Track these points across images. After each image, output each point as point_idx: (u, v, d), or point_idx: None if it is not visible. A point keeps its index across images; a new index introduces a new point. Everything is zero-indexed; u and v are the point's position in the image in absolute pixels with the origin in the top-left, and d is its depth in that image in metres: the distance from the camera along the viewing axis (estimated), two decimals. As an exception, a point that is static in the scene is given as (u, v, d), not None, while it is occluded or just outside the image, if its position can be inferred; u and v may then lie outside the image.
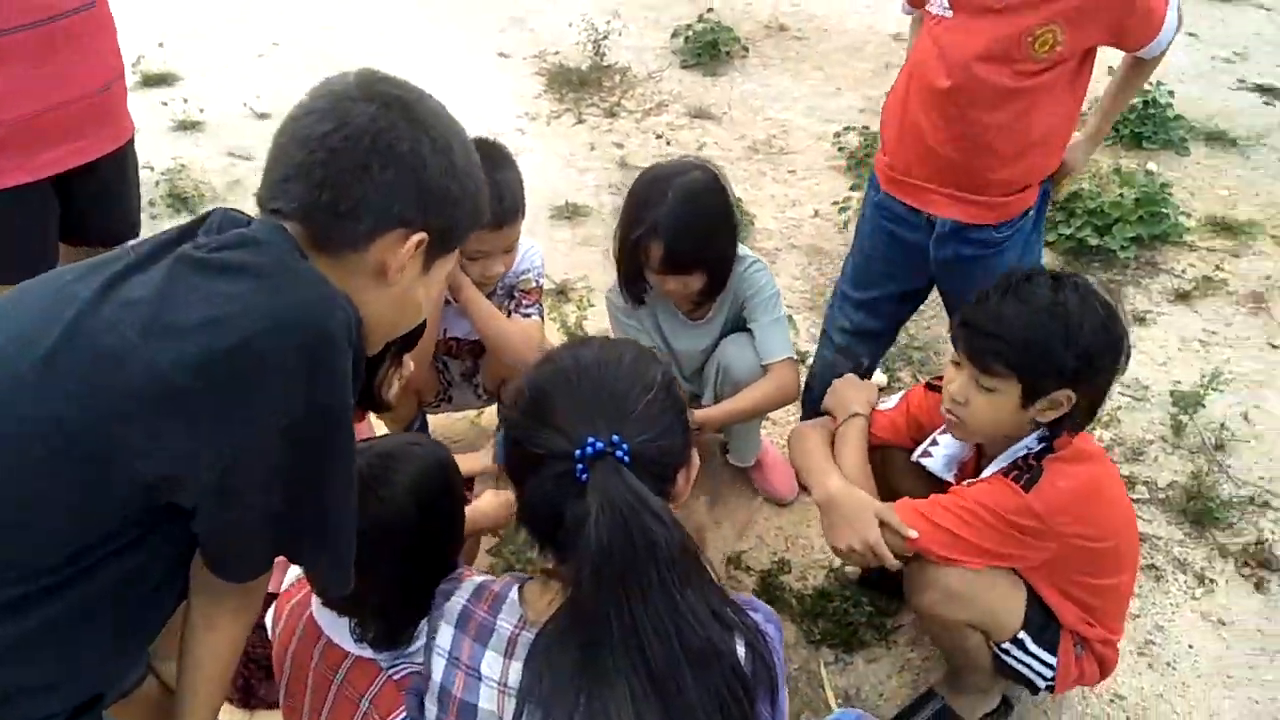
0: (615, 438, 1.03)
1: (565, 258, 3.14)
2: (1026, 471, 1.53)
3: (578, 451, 1.03)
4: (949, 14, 1.82)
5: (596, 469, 1.03)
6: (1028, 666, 1.63)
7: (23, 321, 0.99)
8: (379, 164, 1.05)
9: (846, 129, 3.83)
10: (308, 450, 1.01)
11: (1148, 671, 1.98)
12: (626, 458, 1.03)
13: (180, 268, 0.99)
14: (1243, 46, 4.66)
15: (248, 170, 3.48)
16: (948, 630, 1.64)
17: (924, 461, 1.77)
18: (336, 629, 1.36)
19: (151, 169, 3.31)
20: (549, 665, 1.05)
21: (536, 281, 2.13)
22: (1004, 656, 1.63)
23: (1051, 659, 1.63)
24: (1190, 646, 2.03)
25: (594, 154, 3.76)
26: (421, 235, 1.10)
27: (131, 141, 2.04)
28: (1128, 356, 1.54)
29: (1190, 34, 4.73)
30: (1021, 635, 1.60)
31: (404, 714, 1.30)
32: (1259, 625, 2.07)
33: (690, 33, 4.47)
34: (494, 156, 1.89)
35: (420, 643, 1.32)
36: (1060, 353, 1.47)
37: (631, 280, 2.06)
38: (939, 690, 1.85)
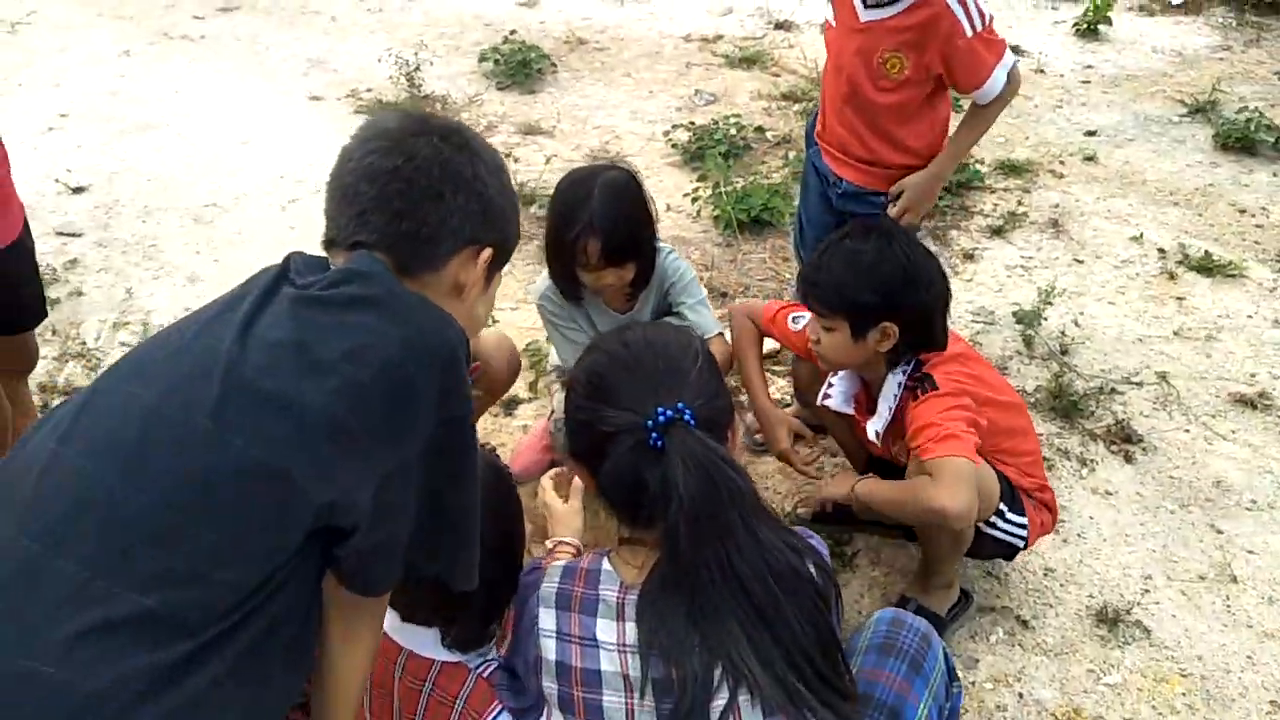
0: (680, 405, 1.17)
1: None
2: (920, 385, 1.84)
3: (649, 422, 1.16)
4: (833, 23, 2.17)
5: (670, 435, 1.16)
6: (1008, 533, 1.91)
7: (169, 380, 1.00)
8: (450, 190, 1.15)
9: (675, 126, 4.07)
10: (445, 460, 1.08)
11: (1064, 546, 2.31)
12: (693, 421, 1.17)
13: (303, 308, 1.03)
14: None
15: (83, 246, 3.25)
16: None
17: (826, 403, 2.07)
18: (417, 641, 1.41)
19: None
20: (661, 618, 1.16)
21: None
22: (991, 531, 1.89)
23: (1022, 519, 1.92)
24: (1091, 518, 2.38)
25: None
26: (489, 250, 1.20)
27: (26, 225, 1.93)
28: (936, 286, 1.84)
29: None
30: (1001, 506, 1.87)
31: (498, 708, 1.37)
32: (1137, 490, 2.45)
33: (499, 55, 4.57)
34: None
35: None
36: (861, 292, 1.79)
37: (566, 279, 2.15)
38: (910, 594, 2.08)
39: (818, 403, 2.10)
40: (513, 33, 4.76)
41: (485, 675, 1.40)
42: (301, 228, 3.33)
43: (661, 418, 1.15)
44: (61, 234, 3.32)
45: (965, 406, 1.79)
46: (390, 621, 1.41)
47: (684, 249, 3.40)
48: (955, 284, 3.10)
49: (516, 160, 3.87)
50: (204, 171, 3.82)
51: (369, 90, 4.44)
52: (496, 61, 4.55)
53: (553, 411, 2.48)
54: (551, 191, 2.17)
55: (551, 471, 1.80)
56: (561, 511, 1.59)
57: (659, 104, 4.40)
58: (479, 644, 1.41)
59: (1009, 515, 1.89)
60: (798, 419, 2.22)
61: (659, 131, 4.11)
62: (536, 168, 3.81)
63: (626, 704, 1.17)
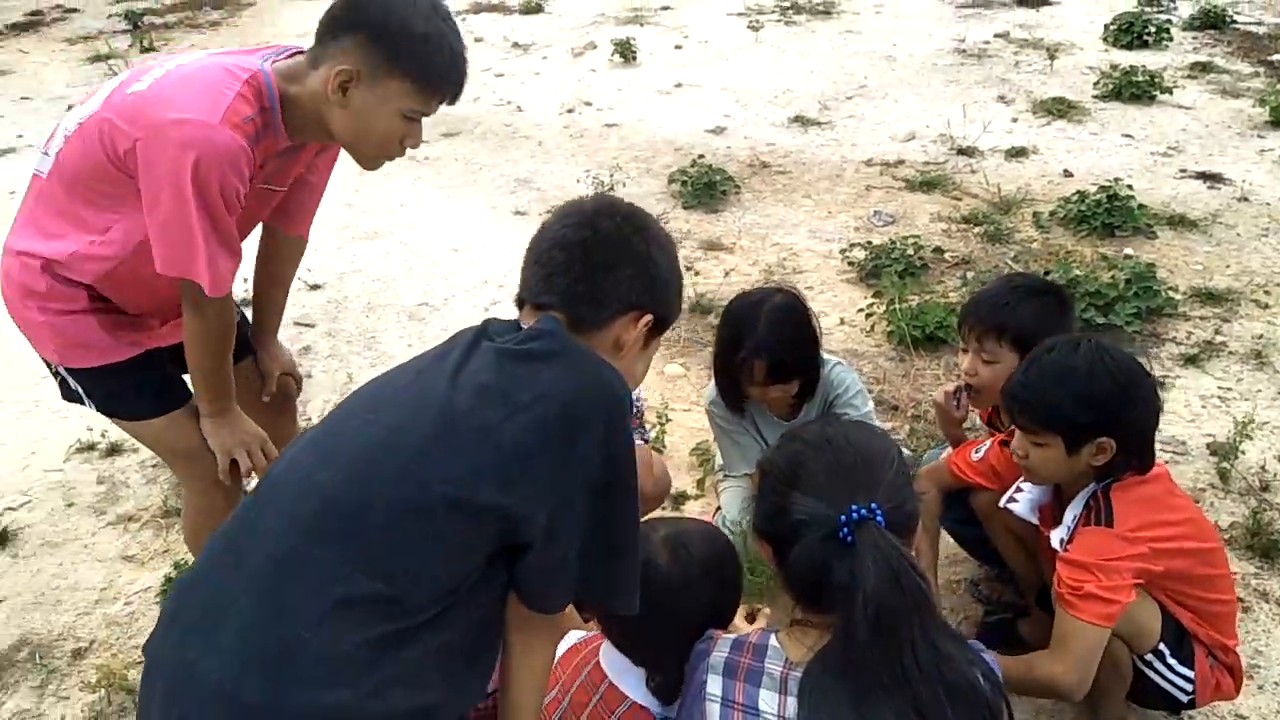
0: (874, 505, 1.24)
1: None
2: (1098, 509, 1.79)
3: (842, 517, 1.23)
4: None
5: (861, 532, 1.22)
6: (1168, 680, 1.81)
7: (396, 416, 1.23)
8: (623, 262, 1.35)
9: (852, 245, 4.19)
10: (610, 492, 1.24)
11: (1259, 693, 2.15)
12: (883, 521, 1.24)
13: (503, 359, 1.25)
14: (1175, 141, 5.21)
15: (315, 335, 3.70)
16: None
17: (1010, 507, 2.04)
18: (622, 676, 1.53)
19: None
20: (824, 698, 1.22)
21: (635, 408, 2.35)
22: (1147, 670, 1.80)
23: (1189, 672, 1.81)
24: (1292, 665, 2.21)
25: (626, 291, 4.05)
26: (649, 317, 1.38)
27: None
28: (1151, 402, 1.81)
29: (1126, 135, 5.29)
30: (1161, 647, 1.79)
31: None
32: (1345, 639, 2.26)
33: (686, 176, 4.87)
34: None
35: None
36: (1075, 408, 1.77)
37: (732, 394, 2.29)
38: (1078, 728, 2.00)
39: (1000, 504, 2.07)
40: (700, 156, 5.07)
41: (641, 705, 1.50)
42: (499, 327, 3.65)
43: (855, 515, 1.23)
44: (299, 324, 3.79)
45: (1137, 556, 1.74)
46: (607, 653, 1.56)
47: (856, 362, 3.47)
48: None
49: (697, 273, 4.10)
50: (420, 275, 4.26)
51: (567, 207, 4.83)
52: (684, 182, 4.86)
53: (718, 509, 2.57)
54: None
55: None
56: None
57: (837, 224, 4.55)
58: (676, 696, 1.50)
59: (1170, 660, 1.81)
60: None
61: (836, 250, 4.24)
62: (715, 280, 4.02)
63: None
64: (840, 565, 1.22)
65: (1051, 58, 6.42)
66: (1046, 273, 3.75)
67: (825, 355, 2.35)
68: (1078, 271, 3.70)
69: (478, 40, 7.91)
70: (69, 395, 1.95)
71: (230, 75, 1.75)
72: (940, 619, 1.26)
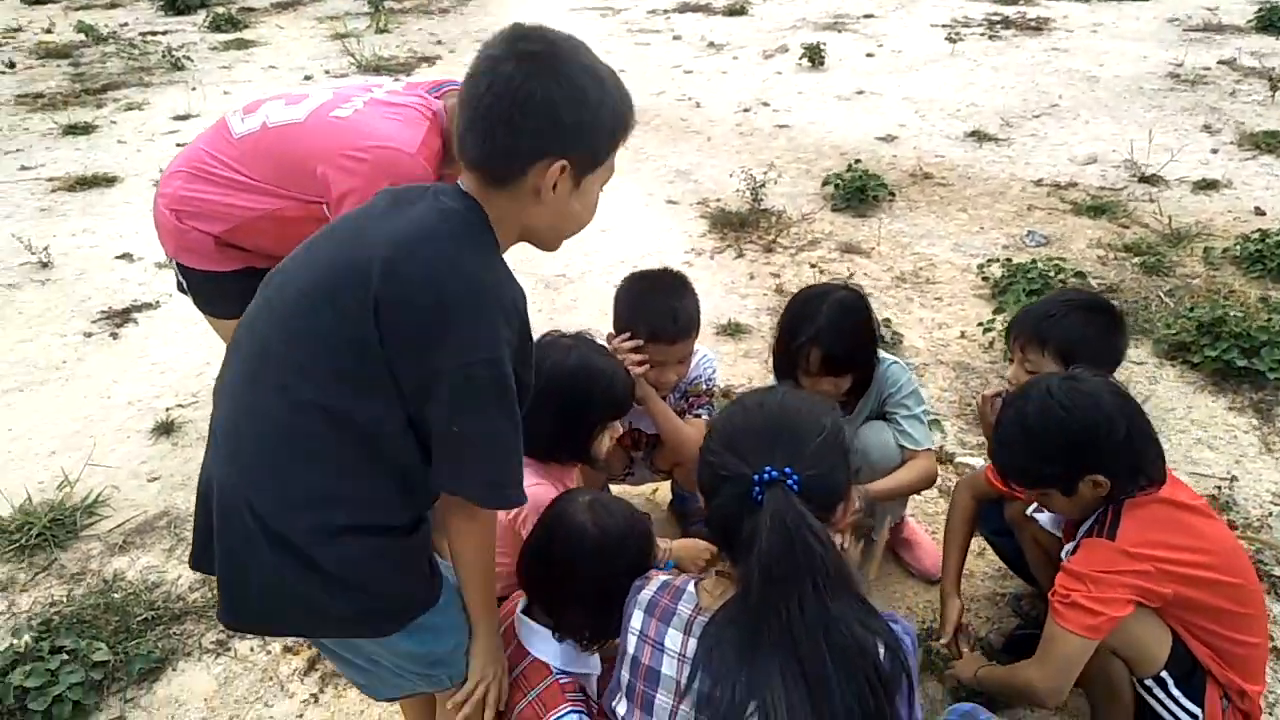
0: (788, 469, 1.29)
1: (730, 367, 3.49)
2: (1104, 522, 1.76)
3: (756, 476, 1.29)
4: None
5: (770, 493, 1.29)
6: (1169, 711, 1.75)
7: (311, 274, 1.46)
8: (519, 114, 1.33)
9: (991, 261, 4.10)
10: (466, 387, 1.35)
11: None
12: (796, 486, 1.29)
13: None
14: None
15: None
16: (1095, 657, 1.78)
17: (1036, 516, 2.07)
18: (530, 635, 1.69)
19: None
20: (718, 643, 1.31)
21: (706, 386, 2.47)
22: (1146, 696, 1.75)
23: (1194, 708, 1.74)
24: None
25: (753, 282, 4.16)
26: (562, 163, 1.37)
27: None
28: (1127, 429, 1.74)
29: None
30: (1164, 675, 1.73)
31: (565, 709, 1.60)
32: None
33: (840, 180, 4.90)
34: (673, 285, 2.35)
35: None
36: (1045, 465, 1.79)
37: (785, 381, 2.36)
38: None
39: (1027, 512, 2.09)
40: (857, 161, 5.08)
41: (562, 682, 1.64)
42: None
43: (766, 475, 1.28)
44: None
45: (1137, 573, 1.70)
46: (518, 609, 1.72)
47: (967, 375, 3.43)
48: (1265, 461, 2.83)
49: (822, 272, 4.14)
50: (565, 248, 4.54)
51: (717, 200, 4.98)
52: (837, 185, 4.89)
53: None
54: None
55: None
56: (684, 546, 1.79)
57: (985, 239, 4.44)
58: (586, 649, 1.65)
59: (1174, 690, 1.75)
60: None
61: (975, 265, 4.15)
62: (840, 279, 4.05)
63: (673, 705, 1.33)
64: (747, 522, 1.27)
65: (1275, 89, 5.90)
66: (1191, 308, 3.54)
67: (882, 354, 2.38)
68: (1232, 311, 3.46)
69: (675, 38, 8.19)
70: (179, 286, 2.35)
71: (421, 113, 2.07)
72: (845, 585, 1.28)
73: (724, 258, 4.42)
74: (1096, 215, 4.62)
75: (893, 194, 4.91)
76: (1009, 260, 4.03)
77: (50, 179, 5.64)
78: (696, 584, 1.44)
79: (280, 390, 1.39)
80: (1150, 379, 3.37)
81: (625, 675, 1.43)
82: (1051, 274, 3.88)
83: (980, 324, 3.63)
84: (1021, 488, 1.88)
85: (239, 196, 2.21)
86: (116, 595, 2.57)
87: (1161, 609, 1.76)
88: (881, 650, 1.28)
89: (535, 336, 1.61)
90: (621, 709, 1.40)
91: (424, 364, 1.35)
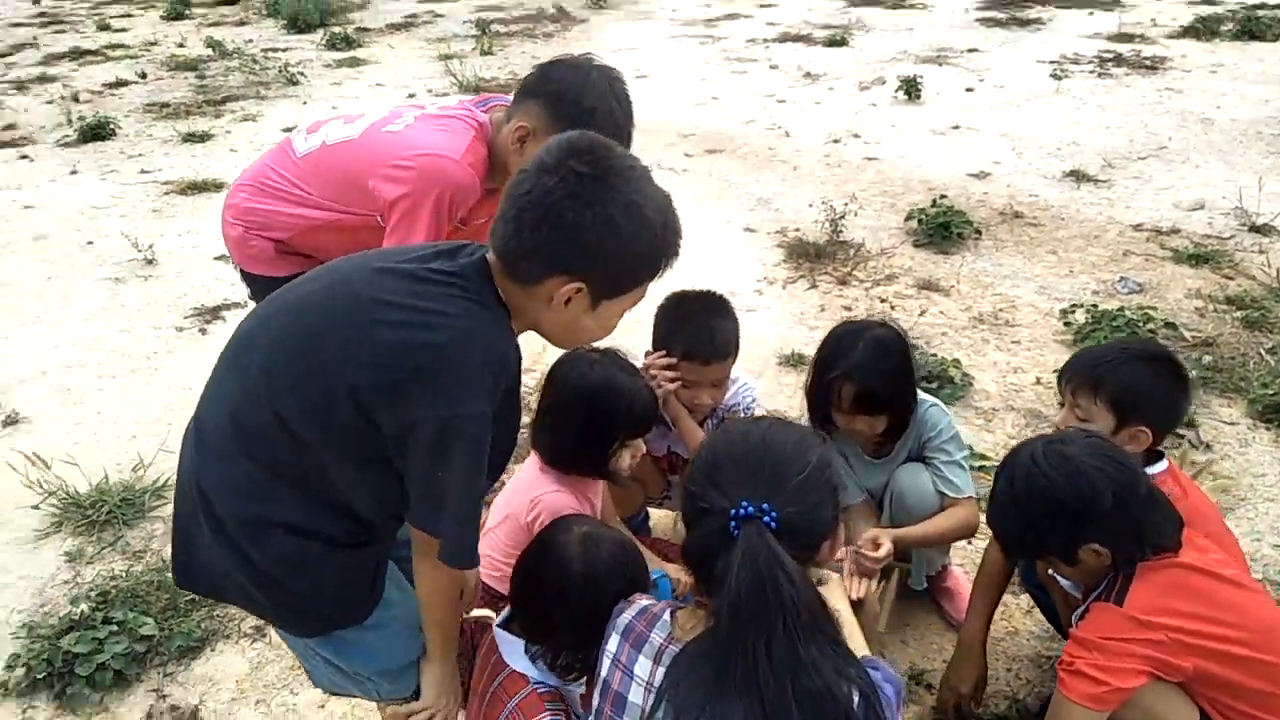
0: (766, 505, 1.25)
1: (789, 399, 3.43)
2: (1113, 586, 1.67)
3: (733, 511, 1.25)
4: None
5: (745, 528, 1.24)
6: None
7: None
8: (547, 226, 1.34)
9: (1076, 307, 3.93)
10: (442, 441, 1.34)
11: None
12: (774, 524, 1.24)
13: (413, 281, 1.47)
14: None
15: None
16: None
17: (1057, 577, 2.00)
18: (507, 646, 1.68)
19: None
20: (685, 676, 1.27)
21: (744, 412, 2.43)
22: None
23: None
24: None
25: (823, 314, 4.09)
26: (578, 285, 1.38)
27: None
28: (1101, 498, 1.63)
29: None
30: None
31: (544, 717, 1.59)
32: None
33: (924, 215, 4.79)
34: (714, 306, 2.32)
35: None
36: (1035, 536, 1.74)
37: (821, 418, 2.30)
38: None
39: (1049, 573, 2.00)
40: (942, 197, 4.96)
41: (540, 692, 1.63)
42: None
43: (743, 511, 1.24)
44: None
45: (1149, 642, 1.60)
46: (499, 635, 1.72)
47: (1038, 423, 3.29)
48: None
49: (893, 307, 4.05)
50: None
51: (796, 230, 4.94)
52: (920, 220, 4.78)
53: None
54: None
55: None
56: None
57: (1074, 284, 4.27)
58: (566, 671, 1.64)
59: None
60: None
61: (1059, 309, 3.99)
62: (910, 318, 3.95)
63: None
64: (722, 557, 1.24)
65: (1407, 139, 5.53)
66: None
67: (922, 396, 2.31)
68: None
69: (773, 67, 8.18)
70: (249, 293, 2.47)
71: (467, 123, 2.16)
72: (821, 630, 1.23)
73: (796, 288, 4.36)
74: (1198, 264, 4.39)
75: (979, 232, 4.78)
76: (1094, 306, 3.86)
77: (165, 182, 5.98)
78: (673, 613, 1.41)
79: (251, 394, 1.42)
80: (1241, 441, 3.17)
81: (596, 700, 1.41)
82: (1140, 323, 3.70)
83: (1057, 371, 3.48)
84: (1020, 557, 1.79)
85: (301, 209, 2.29)
86: (169, 575, 2.68)
87: (1188, 686, 1.64)
88: (856, 699, 1.22)
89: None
90: None
91: (406, 410, 1.34)
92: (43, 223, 5.45)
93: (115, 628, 2.44)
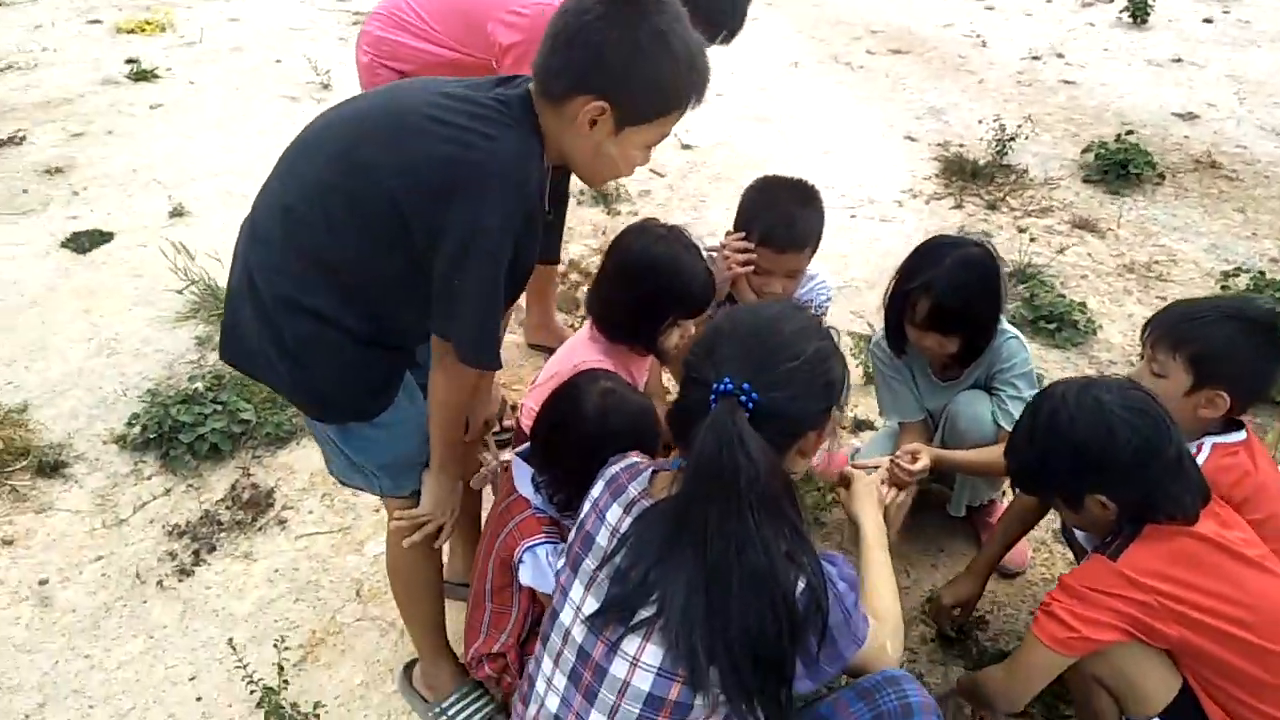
0: (746, 385, 1.26)
1: (889, 314, 3.33)
2: (1114, 542, 1.60)
3: (715, 385, 1.27)
4: None
5: (722, 403, 1.26)
6: None
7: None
8: (578, 45, 1.42)
9: (1239, 270, 3.57)
10: (467, 253, 1.43)
11: None
12: (751, 404, 1.25)
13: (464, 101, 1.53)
14: None
15: (659, 185, 4.17)
16: (1080, 681, 1.64)
17: (1076, 529, 1.95)
18: (519, 471, 1.81)
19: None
20: (647, 528, 1.31)
21: (816, 311, 2.37)
22: None
23: None
24: None
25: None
26: (601, 104, 1.43)
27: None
28: (1139, 454, 1.54)
29: None
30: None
31: (539, 539, 1.73)
32: None
33: (1103, 149, 4.41)
34: (801, 193, 2.26)
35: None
36: (1041, 476, 1.69)
37: (894, 331, 2.21)
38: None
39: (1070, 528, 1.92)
40: (1129, 133, 4.53)
41: (538, 516, 1.76)
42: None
43: (723, 386, 1.26)
44: (653, 172, 4.25)
45: (1133, 601, 1.53)
46: (515, 459, 1.83)
47: (1157, 387, 3.06)
48: None
49: (1032, 239, 3.79)
50: (777, 163, 4.45)
51: (960, 145, 4.65)
52: (1098, 154, 4.41)
53: (857, 450, 2.56)
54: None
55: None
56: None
57: (1252, 247, 3.86)
58: (561, 507, 1.74)
59: None
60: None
61: (1221, 271, 3.63)
62: (1047, 254, 3.70)
63: (594, 573, 1.35)
64: (698, 425, 1.26)
65: None
66: None
67: (1005, 327, 2.19)
68: None
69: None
70: None
71: None
72: (781, 511, 1.24)
73: (940, 205, 4.15)
74: None
75: (1161, 176, 4.36)
76: (1262, 274, 3.49)
77: (355, 12, 6.24)
78: (654, 473, 1.45)
79: (305, 190, 1.52)
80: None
81: (572, 536, 1.48)
82: (1309, 300, 3.33)
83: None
84: (1025, 491, 1.72)
85: (425, 45, 2.37)
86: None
87: (1176, 657, 1.57)
88: (801, 585, 1.24)
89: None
90: (559, 564, 1.47)
91: (437, 217, 1.44)
92: (242, 37, 5.84)
93: (219, 408, 2.73)
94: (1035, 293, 3.38)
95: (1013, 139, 4.47)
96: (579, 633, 1.33)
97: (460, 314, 1.48)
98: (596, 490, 1.47)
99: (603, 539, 1.39)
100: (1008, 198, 4.20)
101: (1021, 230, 3.86)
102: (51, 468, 2.59)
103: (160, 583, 2.28)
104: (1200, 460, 1.77)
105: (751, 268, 2.23)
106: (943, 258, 2.09)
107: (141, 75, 5.03)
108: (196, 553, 2.36)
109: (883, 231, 3.94)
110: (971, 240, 2.17)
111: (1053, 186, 4.31)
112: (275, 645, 2.02)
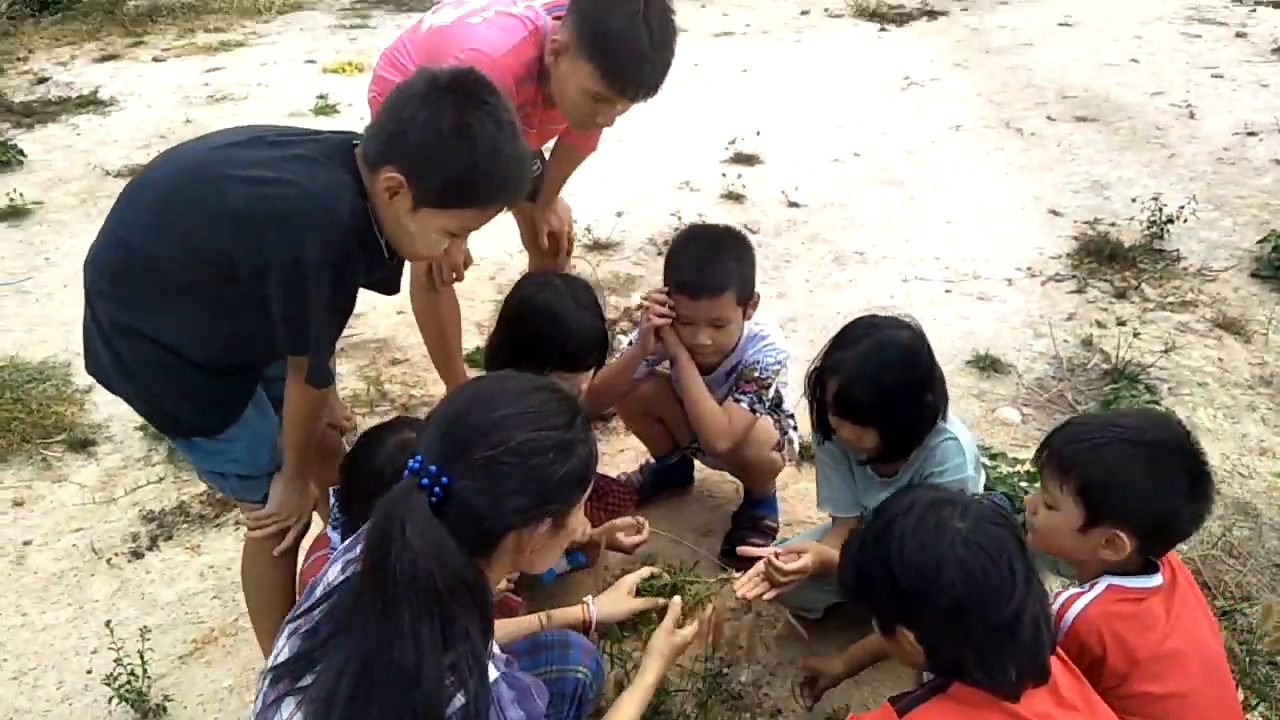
0: (433, 468, 1.14)
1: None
2: (914, 691, 1.34)
3: (410, 460, 1.17)
4: None
5: (401, 483, 1.16)
6: None
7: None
8: (391, 116, 1.54)
9: None
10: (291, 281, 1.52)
11: None
12: (439, 489, 1.14)
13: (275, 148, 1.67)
14: None
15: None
16: None
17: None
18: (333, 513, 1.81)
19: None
20: (339, 598, 1.23)
21: (760, 374, 2.20)
22: None
23: None
24: None
25: (1066, 324, 3.43)
26: (398, 177, 1.50)
27: None
28: (955, 591, 1.25)
29: None
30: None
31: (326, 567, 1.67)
32: None
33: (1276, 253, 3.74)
34: (721, 241, 2.18)
35: None
36: (861, 587, 1.40)
37: (818, 415, 2.00)
38: None
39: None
40: (1322, 228, 3.81)
41: (327, 554, 1.75)
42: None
43: (415, 463, 1.16)
44: (747, 229, 4.11)
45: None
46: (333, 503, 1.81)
47: (1240, 521, 2.53)
48: None
49: (1137, 335, 3.27)
50: (890, 231, 4.16)
51: (1113, 224, 4.12)
52: (1277, 246, 3.74)
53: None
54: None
55: None
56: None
57: None
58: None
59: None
60: None
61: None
62: (1151, 354, 3.18)
63: (297, 622, 1.26)
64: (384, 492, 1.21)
65: None
66: None
67: (948, 427, 1.90)
68: None
69: (1239, 35, 6.69)
70: None
71: (523, 23, 2.21)
72: (455, 615, 1.12)
73: (1057, 287, 3.70)
74: None
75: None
76: None
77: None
78: None
79: (137, 226, 1.63)
80: None
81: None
82: None
83: (1307, 467, 2.62)
84: (843, 597, 1.47)
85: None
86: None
87: None
88: (458, 701, 1.10)
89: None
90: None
91: (259, 254, 1.53)
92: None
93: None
94: (1121, 395, 2.92)
95: (1170, 221, 3.90)
96: (264, 679, 1.29)
97: (306, 335, 1.58)
98: (347, 542, 1.43)
99: (318, 592, 1.34)
100: (1144, 285, 3.66)
101: (1137, 336, 3.28)
102: (81, 444, 2.88)
103: (109, 560, 2.47)
104: (1082, 603, 1.45)
105: (670, 319, 2.13)
106: (859, 339, 1.87)
107: (324, 109, 5.57)
108: (155, 538, 2.53)
109: (974, 311, 3.56)
110: (900, 322, 1.91)
111: (1208, 278, 3.71)
112: (141, 633, 2.11)
